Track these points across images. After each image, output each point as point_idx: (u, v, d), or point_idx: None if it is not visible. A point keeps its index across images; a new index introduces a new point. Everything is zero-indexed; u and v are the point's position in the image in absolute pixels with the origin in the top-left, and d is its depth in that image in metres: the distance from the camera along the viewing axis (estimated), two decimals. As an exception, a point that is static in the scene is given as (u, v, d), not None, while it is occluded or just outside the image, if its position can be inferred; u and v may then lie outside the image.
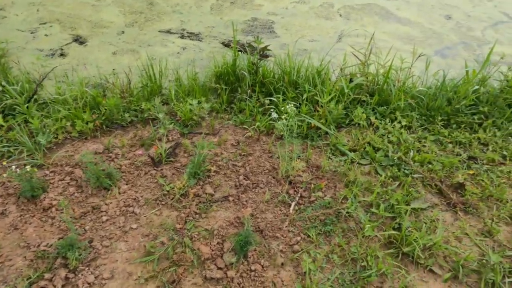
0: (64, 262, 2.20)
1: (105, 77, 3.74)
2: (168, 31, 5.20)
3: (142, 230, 2.45)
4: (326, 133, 3.39)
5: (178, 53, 4.71)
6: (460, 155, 3.19)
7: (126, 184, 2.79)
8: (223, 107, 3.71)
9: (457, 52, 5.06)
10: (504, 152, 3.22)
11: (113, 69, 4.19)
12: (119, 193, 2.71)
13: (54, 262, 2.20)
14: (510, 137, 3.40)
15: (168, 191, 2.73)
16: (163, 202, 2.66)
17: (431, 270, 2.27)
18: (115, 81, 3.65)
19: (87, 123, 3.23)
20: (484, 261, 2.30)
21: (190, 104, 3.47)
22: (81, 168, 2.87)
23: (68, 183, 2.76)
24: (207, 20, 5.59)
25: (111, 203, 2.63)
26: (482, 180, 2.92)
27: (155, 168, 2.95)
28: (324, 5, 6.20)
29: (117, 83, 3.61)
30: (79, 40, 4.78)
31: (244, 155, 3.15)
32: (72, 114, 3.25)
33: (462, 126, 3.52)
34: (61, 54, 4.45)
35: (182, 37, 5.09)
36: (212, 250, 2.33)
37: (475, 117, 3.58)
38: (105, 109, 3.37)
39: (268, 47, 3.88)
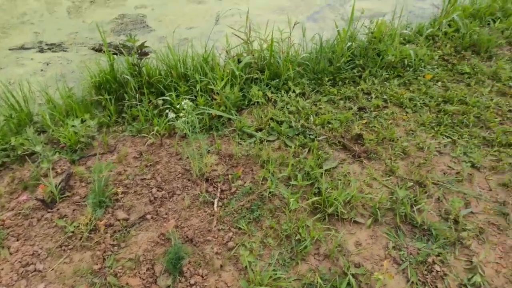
0: None
1: (-51, 119, 3.00)
2: (22, 47, 4.43)
3: (53, 287, 2.08)
4: (229, 119, 3.33)
5: (42, 70, 4.05)
6: (351, 108, 3.46)
7: (17, 240, 2.32)
8: (113, 120, 3.33)
9: (325, 14, 5.43)
10: (384, 96, 3.60)
11: (-41, 107, 3.39)
12: (10, 253, 2.24)
13: None
14: (385, 82, 3.82)
15: (72, 231, 2.35)
16: (70, 246, 2.29)
17: (355, 221, 2.43)
18: (-34, 121, 2.96)
19: None
20: (393, 198, 2.56)
21: (73, 126, 3.03)
22: (-52, 240, 2.28)
23: None
24: (66, 26, 4.92)
25: (2, 269, 2.15)
26: (374, 126, 3.22)
27: (48, 210, 2.52)
28: (192, -11, 5.98)
29: (-31, 123, 2.94)
30: None
31: (150, 165, 2.90)
32: None
33: (347, 81, 3.82)
34: None
35: (41, 51, 4.38)
36: (143, 279, 2.10)
37: (355, 70, 3.92)
38: (-38, 159, 2.72)
39: (145, 44, 3.57)
